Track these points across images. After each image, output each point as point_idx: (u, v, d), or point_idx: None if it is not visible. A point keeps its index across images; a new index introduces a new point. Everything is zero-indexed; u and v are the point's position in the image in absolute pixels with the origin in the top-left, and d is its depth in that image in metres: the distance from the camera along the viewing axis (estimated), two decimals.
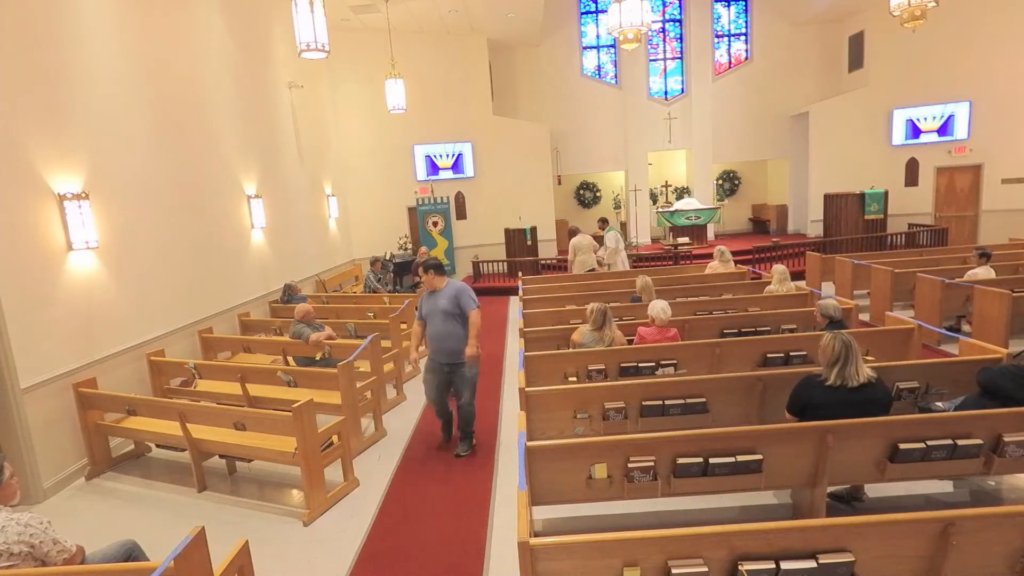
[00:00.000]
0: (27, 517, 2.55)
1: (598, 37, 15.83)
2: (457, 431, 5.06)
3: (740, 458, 3.18)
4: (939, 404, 3.91)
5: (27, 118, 4.71)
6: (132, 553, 3.08)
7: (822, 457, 3.23)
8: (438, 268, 4.83)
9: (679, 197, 15.50)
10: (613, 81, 15.94)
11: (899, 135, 13.87)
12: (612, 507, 3.70)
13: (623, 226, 15.60)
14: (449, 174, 13.87)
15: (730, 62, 15.95)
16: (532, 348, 5.43)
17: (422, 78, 12.99)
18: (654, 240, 15.59)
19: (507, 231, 13.11)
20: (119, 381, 5.48)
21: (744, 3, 15.69)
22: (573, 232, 10.18)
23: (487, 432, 5.35)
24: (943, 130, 13.57)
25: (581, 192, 17.26)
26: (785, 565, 2.27)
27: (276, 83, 9.77)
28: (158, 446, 5.20)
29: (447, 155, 13.83)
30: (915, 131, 13.77)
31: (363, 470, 4.72)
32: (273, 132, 9.57)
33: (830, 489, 3.56)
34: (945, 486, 3.87)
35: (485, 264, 12.76)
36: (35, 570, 2.53)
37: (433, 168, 13.87)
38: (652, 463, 3.20)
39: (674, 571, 2.29)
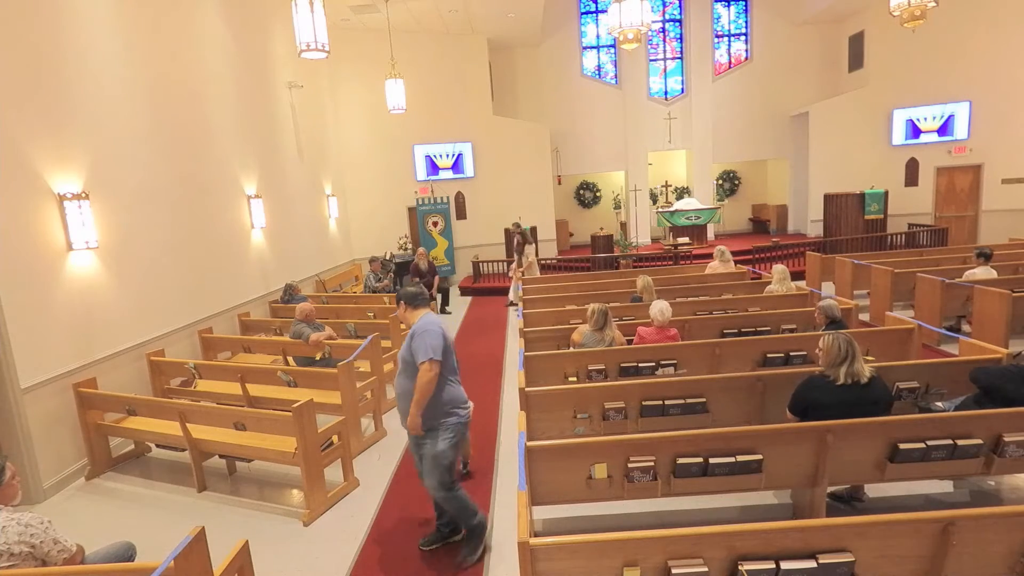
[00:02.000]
0: (28, 517, 2.55)
1: (598, 37, 15.83)
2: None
3: (740, 458, 3.18)
4: (939, 404, 3.91)
5: (27, 118, 4.71)
6: (131, 553, 3.09)
7: (822, 457, 3.23)
8: (409, 299, 3.54)
9: (679, 197, 15.50)
10: (613, 81, 15.94)
11: (899, 135, 13.87)
12: (612, 507, 3.70)
13: (623, 226, 15.60)
14: (449, 174, 13.87)
15: (730, 62, 15.95)
16: (532, 348, 5.43)
17: (422, 78, 12.98)
18: (654, 240, 15.59)
19: (507, 231, 13.11)
20: (119, 381, 5.48)
21: (744, 3, 15.70)
22: (525, 234, 10.69)
23: (487, 433, 5.35)
24: (943, 130, 13.57)
25: (581, 192, 17.27)
26: (785, 565, 2.27)
27: (276, 83, 9.77)
28: (158, 446, 5.20)
29: (447, 155, 13.82)
30: (915, 131, 13.77)
31: (363, 470, 4.72)
32: (273, 132, 9.57)
33: (830, 489, 3.56)
34: (945, 486, 3.88)
35: (485, 264, 12.76)
36: (35, 570, 2.53)
37: (433, 168, 13.86)
38: (652, 463, 3.20)
39: (674, 571, 2.29)
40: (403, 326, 3.66)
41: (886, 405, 3.43)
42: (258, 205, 8.55)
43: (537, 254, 11.24)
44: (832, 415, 3.32)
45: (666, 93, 15.96)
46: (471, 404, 3.56)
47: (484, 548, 3.55)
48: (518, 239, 10.83)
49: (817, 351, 3.59)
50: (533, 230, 13.04)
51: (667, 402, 4.00)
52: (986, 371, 3.70)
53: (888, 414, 3.43)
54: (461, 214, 14.02)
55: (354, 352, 5.41)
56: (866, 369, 3.39)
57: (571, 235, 16.32)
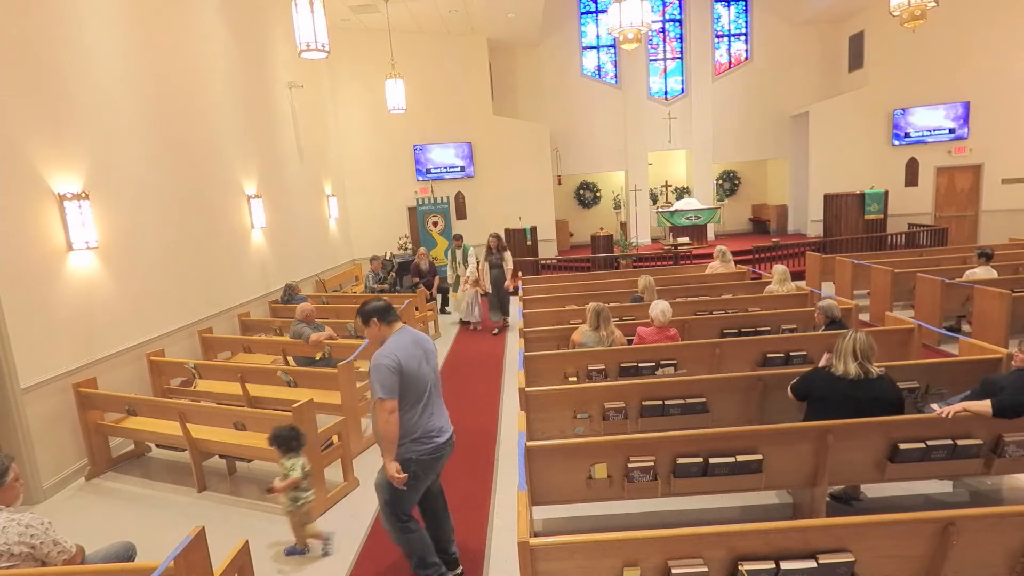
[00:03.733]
0: (28, 518, 2.55)
1: (598, 37, 15.82)
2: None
3: (740, 458, 3.18)
4: (933, 406, 3.89)
5: (27, 118, 4.71)
6: (131, 554, 3.09)
7: (822, 457, 3.23)
8: (382, 313, 3.07)
9: (679, 197, 15.49)
10: (613, 81, 15.94)
11: (899, 135, 13.87)
12: (612, 507, 3.70)
13: (623, 226, 15.60)
14: (449, 174, 13.86)
15: (730, 62, 15.94)
16: (532, 348, 5.43)
17: (422, 78, 12.99)
18: (654, 240, 15.58)
19: (507, 231, 13.10)
20: (119, 381, 5.48)
21: (744, 3, 15.69)
22: (501, 238, 9.04)
23: (487, 433, 5.35)
24: (943, 130, 13.57)
25: (581, 192, 17.26)
26: (785, 565, 2.27)
27: (276, 83, 9.77)
28: (158, 446, 5.19)
29: (447, 155, 13.81)
30: (915, 131, 13.76)
31: (363, 470, 4.71)
32: (273, 132, 9.57)
33: (829, 489, 3.56)
34: (945, 486, 3.88)
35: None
36: (35, 570, 2.53)
37: (433, 167, 13.86)
38: (652, 463, 3.20)
39: (674, 571, 2.29)
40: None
41: (888, 404, 3.42)
42: (258, 205, 8.55)
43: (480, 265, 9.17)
44: (831, 408, 3.33)
45: (666, 93, 15.96)
46: (438, 440, 3.05)
47: None
48: (492, 242, 8.93)
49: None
50: (533, 230, 13.06)
51: (667, 402, 4.00)
52: (1001, 386, 3.37)
53: (895, 413, 3.42)
54: (461, 214, 14.02)
55: (354, 352, 5.41)
56: (853, 367, 3.41)
57: (571, 235, 16.31)
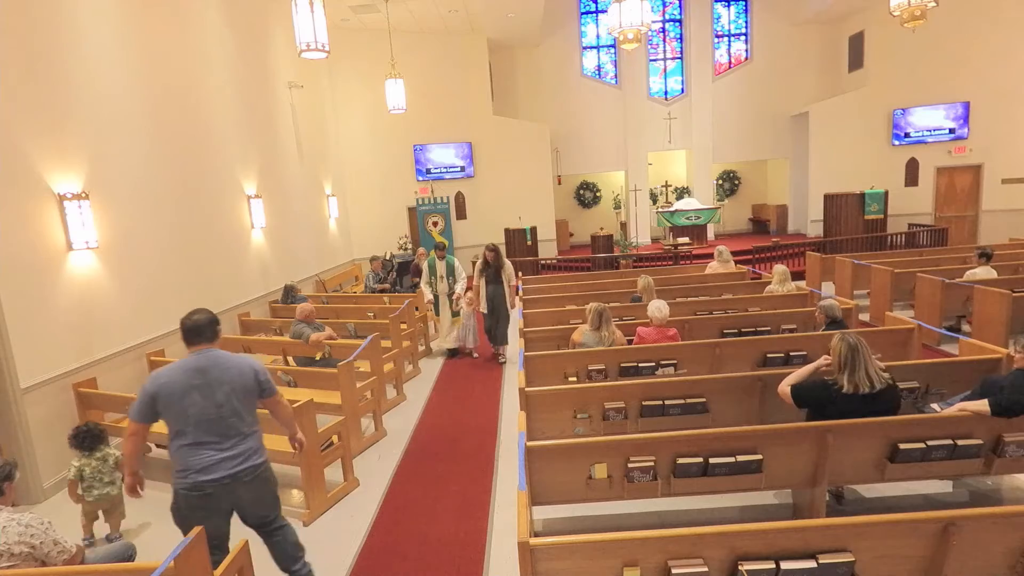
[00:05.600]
0: (28, 518, 2.55)
1: (598, 37, 15.83)
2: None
3: (740, 458, 3.18)
4: (934, 406, 3.89)
5: (27, 118, 4.71)
6: (131, 553, 3.09)
7: (822, 457, 3.23)
8: (183, 332, 3.26)
9: (679, 197, 15.50)
10: (613, 81, 15.94)
11: (899, 135, 13.87)
12: (612, 507, 3.70)
13: (623, 226, 15.60)
14: (449, 174, 13.87)
15: (730, 62, 15.95)
16: (532, 348, 5.43)
17: (422, 78, 12.99)
18: (654, 240, 15.59)
19: (507, 231, 13.12)
20: (119, 381, 5.48)
21: (744, 3, 15.70)
22: (499, 252, 7.37)
23: (487, 432, 5.35)
24: (943, 130, 13.57)
25: (581, 192, 17.27)
26: (785, 565, 2.27)
27: (276, 83, 9.77)
28: (158, 446, 5.19)
29: (447, 155, 13.82)
30: (915, 131, 13.77)
31: (363, 470, 4.72)
32: (273, 132, 9.57)
33: None
34: (945, 486, 3.87)
35: None
36: (35, 570, 2.53)
37: (433, 167, 13.86)
38: (652, 463, 3.20)
39: (674, 571, 2.29)
40: None
41: (893, 409, 3.38)
42: (258, 205, 8.55)
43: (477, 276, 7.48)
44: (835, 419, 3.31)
45: (666, 93, 15.96)
46: (200, 478, 2.82)
47: None
48: (489, 255, 7.28)
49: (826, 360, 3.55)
50: (533, 230, 13.06)
51: (667, 402, 4.00)
52: (1005, 390, 3.35)
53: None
54: (461, 214, 14.03)
55: (354, 352, 5.41)
56: (877, 377, 3.31)
57: (571, 235, 16.32)
